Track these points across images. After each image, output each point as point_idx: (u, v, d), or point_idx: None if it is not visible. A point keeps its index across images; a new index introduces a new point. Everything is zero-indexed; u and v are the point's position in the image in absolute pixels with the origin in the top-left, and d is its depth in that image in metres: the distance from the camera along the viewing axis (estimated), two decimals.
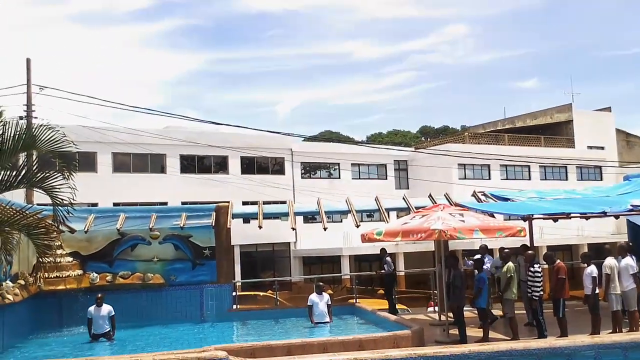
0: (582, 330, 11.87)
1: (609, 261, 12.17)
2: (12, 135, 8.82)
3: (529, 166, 41.24)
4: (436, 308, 15.91)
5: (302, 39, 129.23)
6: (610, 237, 33.41)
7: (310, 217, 33.65)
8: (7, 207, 10.41)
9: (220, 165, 36.32)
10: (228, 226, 15.98)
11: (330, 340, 10.82)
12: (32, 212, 10.51)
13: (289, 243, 36.55)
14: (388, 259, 16.53)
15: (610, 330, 11.78)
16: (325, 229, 16.01)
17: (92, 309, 13.39)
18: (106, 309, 13.39)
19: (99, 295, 13.57)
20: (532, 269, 12.00)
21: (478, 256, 13.76)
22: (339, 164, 39.33)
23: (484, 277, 12.32)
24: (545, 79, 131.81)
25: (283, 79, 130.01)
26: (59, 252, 14.88)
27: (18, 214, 9.64)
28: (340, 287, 30.66)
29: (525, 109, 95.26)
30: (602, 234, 35.14)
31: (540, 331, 11.80)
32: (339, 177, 39.59)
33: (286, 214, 17.29)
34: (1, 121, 8.81)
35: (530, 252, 12.62)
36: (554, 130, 47.59)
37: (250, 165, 36.94)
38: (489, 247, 15.08)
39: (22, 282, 13.64)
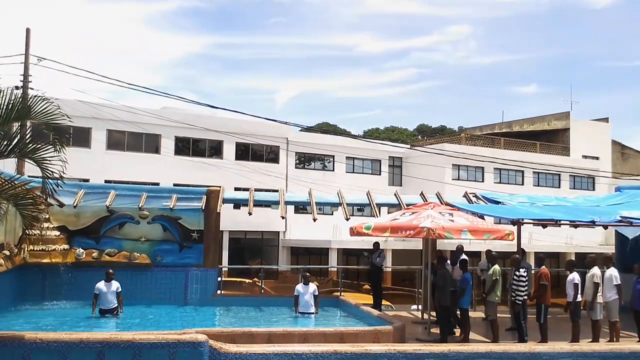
0: (563, 337, 11.95)
1: (596, 271, 12.24)
2: (5, 104, 8.73)
3: (522, 171, 41.32)
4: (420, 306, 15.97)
5: (306, 29, 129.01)
6: (599, 247, 33.59)
7: (301, 208, 33.67)
8: None
9: (214, 149, 36.26)
10: (218, 211, 15.95)
11: (311, 330, 10.85)
12: (20, 182, 10.45)
13: (278, 232, 36.59)
14: (383, 252, 16.63)
15: (590, 339, 11.86)
16: (315, 219, 16.01)
17: (100, 284, 13.29)
18: (115, 285, 13.37)
19: (110, 271, 13.54)
20: (517, 273, 12.01)
21: (464, 257, 13.77)
22: (333, 156, 39.31)
23: (468, 277, 12.37)
24: (545, 86, 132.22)
25: (283, 68, 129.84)
26: (46, 225, 14.80)
27: (7, 183, 9.58)
28: (326, 279, 30.66)
29: (524, 114, 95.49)
30: (591, 244, 35.29)
31: (521, 335, 11.86)
32: (333, 170, 39.57)
33: (277, 203, 17.25)
34: None
35: (516, 256, 12.57)
36: (551, 137, 47.73)
37: (245, 152, 36.91)
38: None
39: (7, 252, 13.61)
